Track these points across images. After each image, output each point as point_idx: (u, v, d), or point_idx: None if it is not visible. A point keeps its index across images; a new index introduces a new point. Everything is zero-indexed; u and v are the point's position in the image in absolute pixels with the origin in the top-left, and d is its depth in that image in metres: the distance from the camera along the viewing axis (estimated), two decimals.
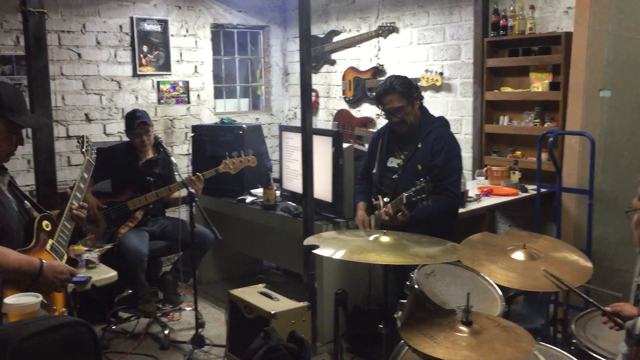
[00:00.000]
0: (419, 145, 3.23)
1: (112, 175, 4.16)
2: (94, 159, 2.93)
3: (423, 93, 5.15)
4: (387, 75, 5.49)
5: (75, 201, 2.60)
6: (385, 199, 3.27)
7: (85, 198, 4.07)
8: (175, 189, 4.11)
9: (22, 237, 2.34)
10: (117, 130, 5.42)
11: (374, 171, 3.46)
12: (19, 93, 2.42)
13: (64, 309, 2.39)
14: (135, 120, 4.11)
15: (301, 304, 3.10)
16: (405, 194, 2.98)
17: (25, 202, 2.47)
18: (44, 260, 2.26)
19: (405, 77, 3.34)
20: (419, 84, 4.95)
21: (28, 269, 2.19)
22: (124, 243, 3.92)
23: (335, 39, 6.02)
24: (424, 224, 3.09)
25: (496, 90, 4.61)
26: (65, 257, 2.45)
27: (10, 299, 1.80)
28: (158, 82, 5.66)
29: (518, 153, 4.53)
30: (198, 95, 5.94)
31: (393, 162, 3.37)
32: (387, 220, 3.13)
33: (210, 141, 4.85)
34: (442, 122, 3.35)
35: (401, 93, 3.23)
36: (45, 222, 2.41)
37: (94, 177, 4.19)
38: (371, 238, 2.34)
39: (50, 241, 2.40)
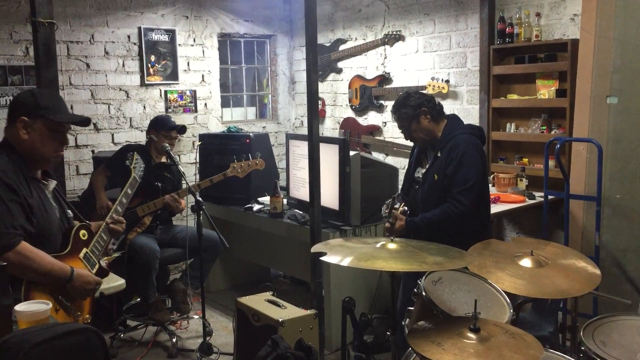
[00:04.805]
0: (439, 154, 3.18)
1: (124, 175, 4.20)
2: (140, 176, 3.01)
3: None
4: (393, 83, 5.53)
5: (115, 215, 2.66)
6: (404, 207, 3.27)
7: (102, 199, 4.14)
8: (183, 195, 4.14)
9: (60, 243, 2.41)
10: (125, 139, 5.45)
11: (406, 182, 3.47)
12: (56, 96, 2.51)
13: (88, 316, 2.47)
14: (175, 125, 4.27)
15: (309, 311, 3.10)
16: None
17: (68, 211, 2.54)
18: (75, 269, 2.34)
19: (407, 95, 3.30)
20: (424, 90, 4.96)
21: (58, 275, 2.30)
22: (135, 243, 3.95)
23: (342, 47, 6.04)
24: (424, 230, 3.08)
25: (503, 98, 4.61)
26: (97, 266, 2.51)
27: (21, 306, 1.82)
28: (165, 92, 5.69)
29: (525, 160, 4.53)
30: (205, 104, 5.97)
31: (419, 173, 3.34)
32: (391, 230, 3.18)
33: (217, 150, 4.87)
34: (466, 130, 3.24)
35: (403, 113, 3.25)
36: (82, 232, 2.48)
37: (105, 174, 4.25)
38: (378, 245, 2.34)
39: (84, 250, 2.47)
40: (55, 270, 2.28)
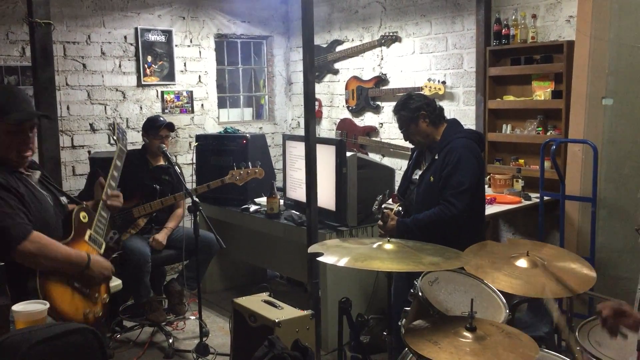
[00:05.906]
0: (436, 157, 3.19)
1: (123, 179, 4.20)
2: (125, 145, 2.89)
3: None
4: (390, 84, 5.54)
5: (110, 190, 2.61)
6: (399, 208, 3.29)
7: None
8: (180, 198, 4.13)
9: (61, 230, 2.39)
10: None
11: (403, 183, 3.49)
12: (11, 92, 2.38)
13: (105, 295, 2.49)
14: (161, 123, 4.22)
15: (305, 312, 3.10)
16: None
17: (62, 197, 2.50)
18: (90, 255, 2.35)
19: (408, 97, 3.32)
20: (421, 92, 4.97)
21: (76, 261, 2.30)
22: (127, 246, 3.95)
23: (338, 48, 6.05)
24: (415, 231, 3.08)
25: (499, 99, 4.63)
26: (104, 245, 2.50)
27: (18, 306, 1.81)
28: (162, 92, 5.69)
29: (521, 161, 4.54)
30: (202, 105, 5.97)
31: (417, 175, 3.35)
32: (383, 229, 3.22)
33: (214, 150, 4.88)
34: (465, 134, 3.25)
35: (403, 115, 3.28)
36: (82, 214, 2.45)
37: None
38: (375, 246, 2.35)
39: (88, 231, 2.45)
40: (72, 257, 2.28)
